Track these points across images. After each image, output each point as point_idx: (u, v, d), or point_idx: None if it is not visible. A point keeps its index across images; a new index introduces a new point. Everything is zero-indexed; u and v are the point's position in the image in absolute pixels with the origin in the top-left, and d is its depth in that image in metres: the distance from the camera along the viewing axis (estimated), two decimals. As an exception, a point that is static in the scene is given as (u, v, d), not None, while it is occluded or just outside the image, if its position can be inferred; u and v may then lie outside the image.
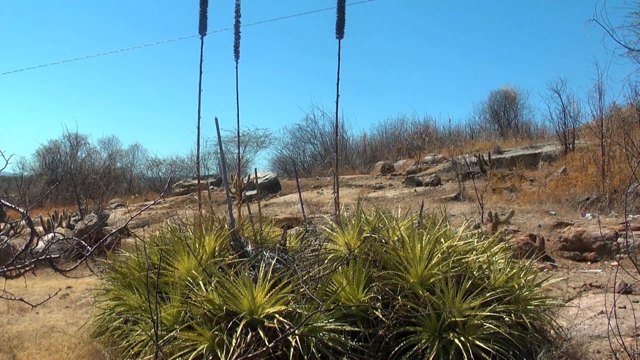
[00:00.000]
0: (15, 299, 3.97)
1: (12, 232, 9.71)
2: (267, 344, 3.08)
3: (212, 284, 3.62)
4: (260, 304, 3.43)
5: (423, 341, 3.27)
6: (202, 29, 5.00)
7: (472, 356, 3.09)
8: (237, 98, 5.10)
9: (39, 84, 51.06)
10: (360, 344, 3.31)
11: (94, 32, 53.79)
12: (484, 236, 4.46)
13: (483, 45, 47.16)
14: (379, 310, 3.35)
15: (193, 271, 3.90)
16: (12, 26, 52.24)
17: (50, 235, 8.56)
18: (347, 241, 4.06)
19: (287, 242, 4.55)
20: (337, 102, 5.12)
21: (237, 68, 5.09)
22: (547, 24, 45.91)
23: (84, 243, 3.91)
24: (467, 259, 3.85)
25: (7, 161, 3.56)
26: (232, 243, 4.34)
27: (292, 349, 3.11)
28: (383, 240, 4.01)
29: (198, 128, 5.01)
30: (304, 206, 6.33)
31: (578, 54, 39.42)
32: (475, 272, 3.75)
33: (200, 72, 4.97)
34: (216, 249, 4.21)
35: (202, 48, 5.00)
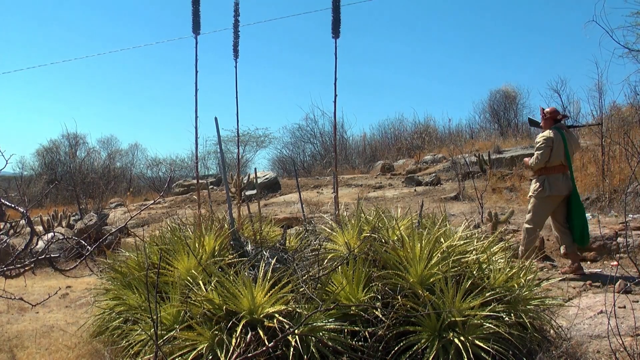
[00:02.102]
0: (15, 298, 3.98)
1: (12, 231, 9.71)
2: (266, 343, 3.08)
3: (212, 284, 3.62)
4: (260, 304, 3.43)
5: (423, 341, 3.28)
6: (196, 28, 5.01)
7: (471, 356, 3.09)
8: (237, 97, 5.11)
9: (38, 84, 51.15)
10: (360, 343, 3.31)
11: (93, 31, 53.86)
12: (483, 236, 4.47)
13: (483, 45, 47.23)
14: (379, 309, 3.36)
15: (193, 271, 3.90)
16: (12, 26, 52.26)
17: (50, 234, 8.55)
18: (347, 241, 4.06)
19: (287, 241, 4.55)
20: (335, 102, 5.14)
21: (236, 67, 5.12)
22: (547, 23, 45.95)
23: (83, 242, 3.92)
24: (466, 259, 3.85)
25: (6, 161, 3.57)
26: (231, 243, 4.35)
27: (291, 349, 3.11)
28: (383, 240, 4.02)
29: (195, 128, 5.03)
30: (303, 206, 6.33)
31: (578, 53, 39.52)
32: (474, 272, 3.76)
33: (196, 72, 4.97)
34: (216, 248, 4.21)
35: (196, 48, 5.01)
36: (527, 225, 6.11)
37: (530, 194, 6.24)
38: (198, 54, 4.98)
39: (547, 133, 5.97)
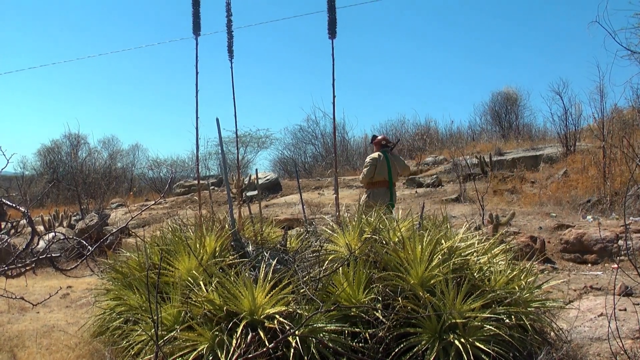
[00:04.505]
0: (16, 298, 3.97)
1: (13, 231, 9.72)
2: (267, 344, 3.08)
3: (213, 285, 3.62)
4: (260, 305, 3.43)
5: (423, 342, 3.27)
6: (196, 29, 4.99)
7: (472, 358, 3.09)
8: (234, 98, 5.12)
9: (40, 84, 51.19)
10: (360, 344, 3.31)
11: (95, 32, 53.92)
12: (484, 238, 4.46)
13: (485, 47, 47.19)
14: (379, 311, 3.35)
15: (194, 271, 3.90)
16: (14, 26, 52.32)
17: (51, 234, 8.56)
18: (348, 242, 4.06)
19: (288, 242, 4.55)
20: (333, 103, 5.14)
21: (231, 68, 5.09)
22: (549, 25, 45.91)
23: (84, 243, 3.91)
24: (467, 261, 3.84)
25: (8, 160, 3.56)
26: (232, 243, 4.35)
27: (292, 350, 3.11)
28: (384, 242, 4.01)
29: (196, 128, 5.02)
30: (304, 207, 6.33)
31: (580, 55, 39.46)
32: (475, 274, 3.75)
33: (197, 73, 4.95)
34: (217, 249, 4.21)
35: (196, 48, 4.99)
36: None
37: (361, 202, 7.12)
38: (200, 54, 4.98)
39: (374, 155, 7.41)
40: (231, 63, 5.07)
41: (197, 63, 4.96)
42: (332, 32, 4.95)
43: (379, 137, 7.77)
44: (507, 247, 4.34)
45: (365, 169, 7.40)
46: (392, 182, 7.36)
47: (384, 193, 7.25)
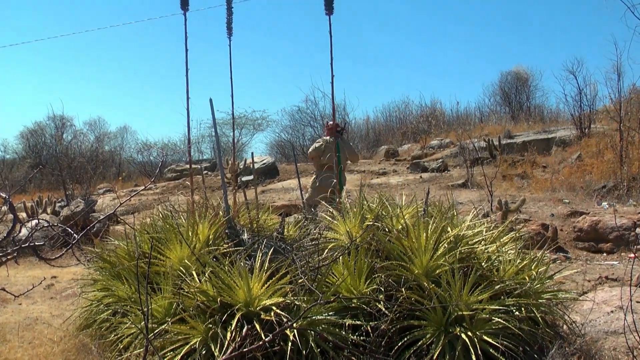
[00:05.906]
0: (-3, 289, 3.97)
1: (-6, 218, 9.71)
2: (263, 337, 3.09)
3: (206, 274, 3.62)
4: (256, 296, 3.43)
5: (428, 336, 3.28)
6: (184, 4, 4.97)
7: (479, 352, 3.09)
8: (231, 77, 5.08)
9: (22, 63, 50.87)
10: (361, 338, 3.32)
11: (80, 7, 53.47)
12: (493, 225, 4.45)
13: (494, 23, 46.86)
14: (382, 302, 3.35)
15: (186, 260, 3.90)
16: (-7, 0, 51.83)
17: (34, 221, 8.56)
18: (349, 230, 4.05)
19: (286, 230, 4.54)
20: (332, 83, 5.13)
21: (230, 45, 5.07)
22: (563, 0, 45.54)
23: (70, 230, 3.90)
24: (475, 250, 3.84)
25: (-13, 143, 3.54)
26: (227, 231, 4.34)
27: (289, 343, 3.11)
28: (386, 229, 4.01)
29: (187, 110, 5.00)
30: (303, 192, 6.32)
31: (596, 32, 39.17)
32: (483, 263, 3.75)
33: (186, 51, 4.94)
34: (210, 237, 4.21)
35: (185, 25, 4.99)
36: (307, 201, 7.26)
37: (310, 184, 7.94)
38: (193, 31, 4.96)
39: (327, 137, 7.74)
40: (230, 41, 5.04)
41: (186, 41, 4.95)
42: (329, 7, 4.90)
43: (331, 124, 7.84)
44: (517, 235, 4.33)
45: (317, 144, 7.81)
46: (340, 168, 7.39)
47: (330, 178, 7.22)
